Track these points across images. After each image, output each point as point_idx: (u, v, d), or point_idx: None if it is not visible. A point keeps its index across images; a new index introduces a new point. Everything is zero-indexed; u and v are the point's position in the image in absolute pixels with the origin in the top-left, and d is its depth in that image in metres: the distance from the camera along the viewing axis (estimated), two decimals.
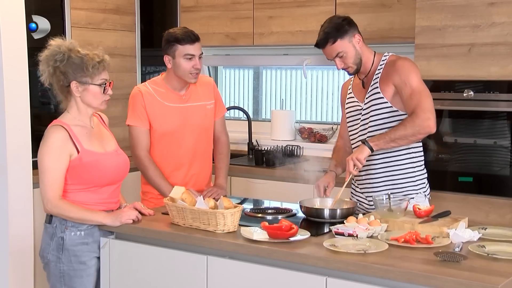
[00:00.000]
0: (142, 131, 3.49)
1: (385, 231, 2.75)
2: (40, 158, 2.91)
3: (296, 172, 4.43)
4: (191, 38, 3.44)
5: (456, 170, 3.29)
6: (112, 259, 3.00)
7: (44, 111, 4.49)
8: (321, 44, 3.19)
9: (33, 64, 3.84)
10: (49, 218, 2.98)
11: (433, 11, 3.88)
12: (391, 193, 2.99)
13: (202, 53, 3.50)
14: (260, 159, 4.74)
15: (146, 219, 3.03)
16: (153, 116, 3.48)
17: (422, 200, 3.15)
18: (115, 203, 3.09)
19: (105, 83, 2.97)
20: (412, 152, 3.23)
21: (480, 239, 2.65)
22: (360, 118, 3.27)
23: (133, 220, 2.96)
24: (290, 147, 4.87)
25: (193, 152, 3.57)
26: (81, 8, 4.58)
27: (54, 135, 2.90)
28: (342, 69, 3.21)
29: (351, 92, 3.35)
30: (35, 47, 3.87)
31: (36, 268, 3.79)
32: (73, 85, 2.92)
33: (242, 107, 5.41)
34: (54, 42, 2.97)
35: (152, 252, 2.91)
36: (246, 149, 5.10)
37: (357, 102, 3.29)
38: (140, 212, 3.05)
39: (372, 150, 3.08)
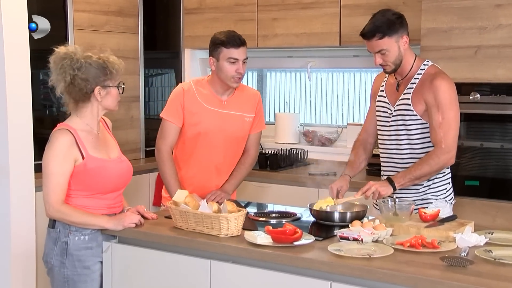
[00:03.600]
0: (172, 127, 3.48)
1: (390, 236, 2.72)
2: (45, 161, 2.87)
3: (301, 175, 4.41)
4: (237, 42, 3.43)
5: (463, 173, 3.26)
6: (114, 263, 2.98)
7: (46, 114, 4.48)
8: (367, 35, 3.11)
9: (35, 66, 3.83)
10: (52, 223, 2.96)
11: (439, 13, 3.86)
12: (408, 199, 2.99)
13: (247, 57, 3.47)
14: (264, 162, 4.72)
15: (148, 223, 3.01)
16: (189, 114, 3.47)
17: (442, 206, 3.14)
18: (118, 207, 3.07)
19: (122, 84, 2.97)
20: None
21: (486, 243, 2.62)
22: (389, 122, 3.22)
23: (135, 224, 2.94)
24: (294, 151, 4.84)
25: (222, 159, 3.54)
26: (83, 10, 4.57)
27: (60, 139, 2.87)
28: (380, 65, 3.15)
29: (383, 91, 3.29)
30: (36, 49, 3.86)
31: (38, 272, 3.77)
32: (97, 90, 2.89)
33: None
34: (61, 50, 2.90)
35: (155, 256, 2.88)
36: None
37: (388, 104, 3.24)
38: (142, 216, 3.03)
39: (395, 189, 3.08)
